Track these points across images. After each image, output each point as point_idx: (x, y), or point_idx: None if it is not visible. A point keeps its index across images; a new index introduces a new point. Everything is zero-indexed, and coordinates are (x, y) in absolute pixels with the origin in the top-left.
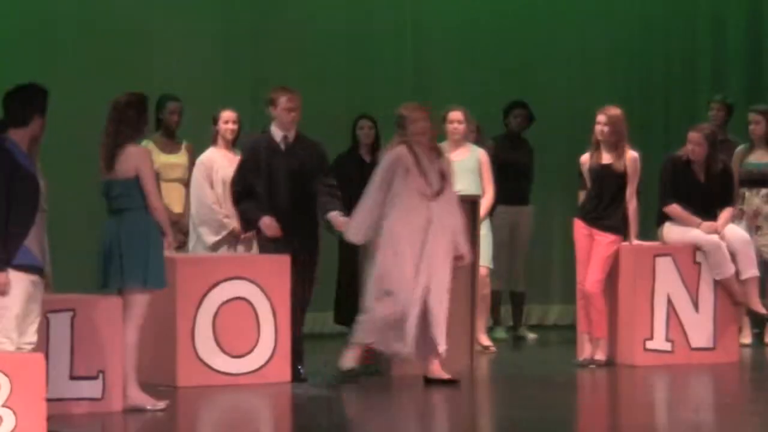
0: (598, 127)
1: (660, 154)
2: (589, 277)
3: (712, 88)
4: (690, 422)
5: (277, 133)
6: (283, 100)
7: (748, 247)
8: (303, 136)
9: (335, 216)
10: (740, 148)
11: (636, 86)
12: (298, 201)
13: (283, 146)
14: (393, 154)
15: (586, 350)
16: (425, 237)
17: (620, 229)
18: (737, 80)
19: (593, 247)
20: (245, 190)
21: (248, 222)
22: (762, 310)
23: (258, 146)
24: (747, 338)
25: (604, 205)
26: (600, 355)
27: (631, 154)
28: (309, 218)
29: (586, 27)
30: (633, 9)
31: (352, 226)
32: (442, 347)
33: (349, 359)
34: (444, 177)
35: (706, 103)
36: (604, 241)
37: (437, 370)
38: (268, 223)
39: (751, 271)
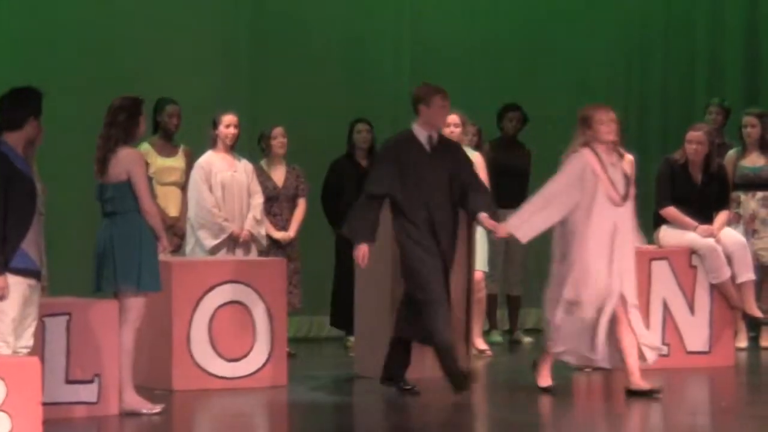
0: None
1: (658, 157)
2: None
3: (709, 91)
4: (686, 426)
5: (421, 133)
6: (437, 99)
7: (744, 251)
8: (442, 136)
9: (485, 218)
10: (732, 151)
11: (635, 89)
12: (446, 203)
13: (428, 147)
14: (580, 157)
15: None
16: (613, 243)
17: None
18: (733, 83)
19: None
20: (380, 195)
21: (349, 238)
22: (758, 314)
23: (400, 147)
24: (743, 342)
25: None
26: None
27: (629, 157)
28: (455, 221)
29: (584, 29)
30: (632, 11)
31: (521, 226)
32: (649, 357)
33: (545, 377)
34: (628, 180)
35: (704, 107)
36: None
37: (636, 381)
38: (362, 254)
39: (747, 274)
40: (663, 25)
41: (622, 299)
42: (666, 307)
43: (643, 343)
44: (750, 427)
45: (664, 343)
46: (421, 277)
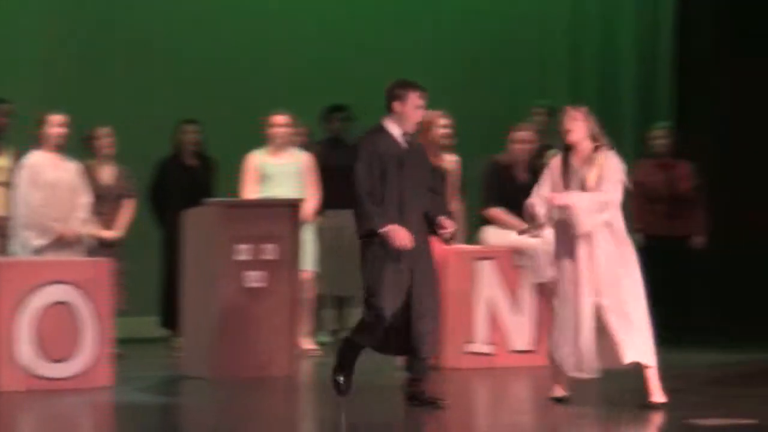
0: (442, 131)
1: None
2: None
3: (535, 93)
4: (510, 424)
5: (395, 130)
6: (414, 97)
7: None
8: (412, 135)
9: (444, 220)
10: (554, 152)
11: (463, 93)
12: (418, 205)
13: (404, 145)
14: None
15: None
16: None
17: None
18: (557, 85)
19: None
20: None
21: (371, 227)
22: None
23: (377, 144)
24: None
25: None
26: None
27: (453, 157)
28: (424, 222)
29: (413, 30)
30: (493, 12)
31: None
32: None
33: (559, 389)
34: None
35: (529, 108)
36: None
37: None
38: (398, 232)
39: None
40: (490, 25)
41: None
42: (490, 307)
43: None
44: (575, 424)
45: (488, 343)
46: (379, 287)
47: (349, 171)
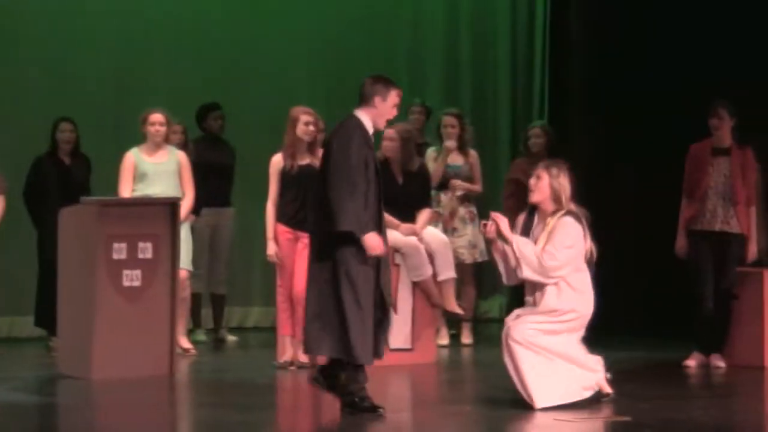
0: (307, 128)
1: None
2: (301, 281)
3: (411, 92)
4: (389, 422)
5: (368, 125)
6: (394, 95)
7: (446, 249)
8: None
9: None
10: (431, 150)
11: (336, 89)
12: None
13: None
14: None
15: (287, 352)
16: None
17: None
18: (433, 84)
19: (300, 250)
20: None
21: (351, 229)
22: (458, 311)
23: (368, 139)
24: (444, 339)
25: (302, 206)
26: (304, 358)
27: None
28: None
29: (286, 29)
30: (330, 11)
31: None
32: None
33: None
34: None
35: (406, 107)
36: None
37: None
38: (377, 243)
39: (448, 273)
40: (365, 25)
41: None
42: None
43: None
44: (451, 422)
45: None
46: (356, 288)
47: (224, 168)
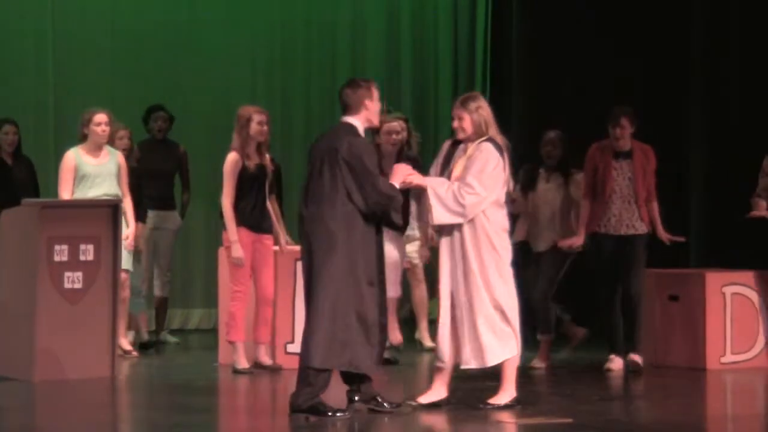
0: (261, 128)
1: (301, 157)
2: (268, 283)
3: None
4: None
5: (363, 129)
6: (377, 94)
7: (395, 269)
8: None
9: None
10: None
11: (278, 89)
12: None
13: None
14: None
15: (247, 358)
16: None
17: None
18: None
19: (262, 252)
20: None
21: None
22: (394, 342)
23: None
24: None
25: (260, 208)
26: (266, 360)
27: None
28: None
29: (229, 30)
30: (273, 11)
31: None
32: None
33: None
34: None
35: None
36: (271, 245)
37: None
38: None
39: (391, 292)
40: (305, 26)
41: None
42: None
43: None
44: (381, 423)
45: None
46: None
47: (165, 171)
